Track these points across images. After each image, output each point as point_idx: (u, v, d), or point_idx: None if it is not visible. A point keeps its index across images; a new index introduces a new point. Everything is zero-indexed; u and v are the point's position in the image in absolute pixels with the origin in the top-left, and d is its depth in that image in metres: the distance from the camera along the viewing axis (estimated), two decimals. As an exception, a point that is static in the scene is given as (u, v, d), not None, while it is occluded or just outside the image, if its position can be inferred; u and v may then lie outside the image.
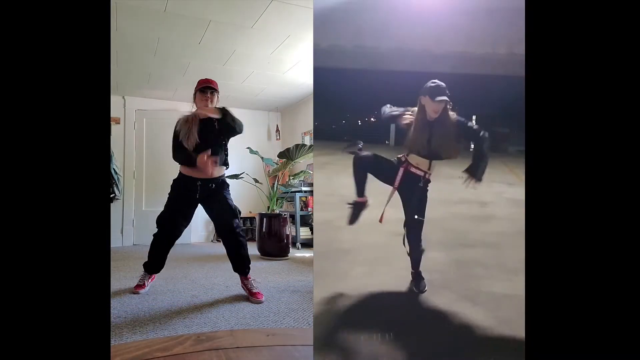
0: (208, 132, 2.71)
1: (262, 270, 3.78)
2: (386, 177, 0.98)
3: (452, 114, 0.89)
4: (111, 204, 5.73)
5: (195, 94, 2.79)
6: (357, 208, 0.97)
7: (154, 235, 2.89)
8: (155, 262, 2.94)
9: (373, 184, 1.02)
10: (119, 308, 2.48)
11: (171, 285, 3.14)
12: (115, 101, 6.00)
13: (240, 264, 2.83)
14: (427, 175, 0.97)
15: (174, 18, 3.59)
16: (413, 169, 0.97)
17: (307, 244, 5.33)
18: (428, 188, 0.97)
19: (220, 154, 2.77)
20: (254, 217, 5.77)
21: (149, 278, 3.02)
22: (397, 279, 0.95)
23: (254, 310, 2.47)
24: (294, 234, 5.22)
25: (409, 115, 0.92)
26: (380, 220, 0.94)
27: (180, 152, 2.74)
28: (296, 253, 4.89)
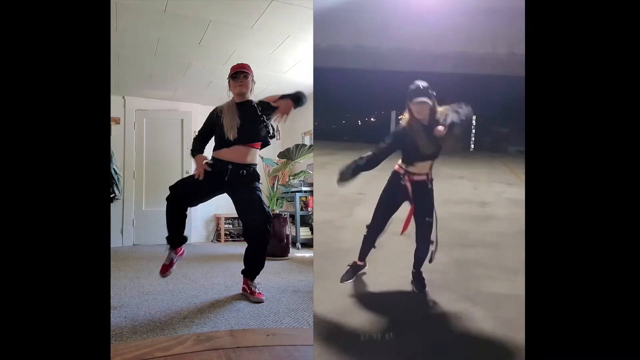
0: (247, 118, 2.67)
1: (262, 270, 3.78)
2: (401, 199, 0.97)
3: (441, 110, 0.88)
4: (111, 204, 5.73)
5: (229, 81, 2.76)
6: (355, 270, 0.97)
7: (167, 200, 2.67)
8: (178, 228, 2.72)
9: (377, 180, 1.02)
10: (119, 308, 2.49)
11: (171, 285, 3.14)
12: (115, 101, 6.00)
13: (254, 270, 2.82)
14: (430, 176, 0.97)
15: (174, 18, 3.59)
16: (417, 177, 0.96)
17: (307, 244, 5.33)
18: (433, 188, 0.97)
19: (260, 136, 2.72)
20: (254, 217, 5.75)
21: (177, 254, 2.78)
22: (397, 279, 0.95)
23: (254, 310, 2.47)
24: (294, 234, 5.22)
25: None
26: (402, 232, 0.94)
27: (218, 141, 2.70)
28: (296, 253, 4.89)
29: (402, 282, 0.94)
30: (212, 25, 3.75)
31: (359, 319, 0.81)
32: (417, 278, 0.94)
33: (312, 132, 5.79)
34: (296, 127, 6.58)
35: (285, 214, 4.73)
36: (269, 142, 2.82)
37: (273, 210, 5.02)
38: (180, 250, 2.82)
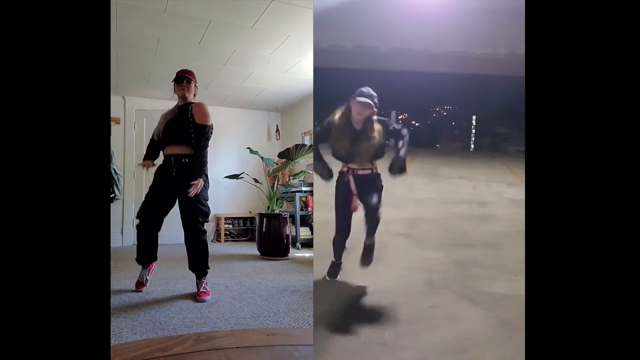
0: (182, 119, 2.80)
1: (262, 270, 3.78)
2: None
3: (375, 118, 0.88)
4: (111, 204, 5.72)
5: (173, 85, 2.90)
6: (336, 267, 0.98)
7: (137, 227, 2.95)
8: (145, 250, 2.97)
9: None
10: (119, 308, 2.48)
11: (171, 285, 3.14)
12: (115, 101, 6.00)
13: (196, 267, 2.84)
14: (374, 171, 0.97)
15: (174, 18, 3.59)
16: (360, 172, 0.96)
17: (307, 244, 5.33)
18: (382, 184, 0.97)
19: (192, 139, 2.76)
20: (254, 217, 5.77)
21: (148, 272, 3.02)
22: (397, 279, 0.95)
23: (254, 310, 2.47)
24: (294, 234, 5.22)
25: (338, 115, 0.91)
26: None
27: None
28: (296, 253, 4.89)
29: (402, 282, 0.94)
30: (212, 25, 3.75)
31: (359, 319, 0.81)
32: (368, 250, 0.95)
33: (312, 132, 5.79)
34: (296, 127, 6.58)
35: (285, 214, 4.73)
36: (192, 145, 2.79)
37: (273, 210, 5.02)
38: (151, 268, 3.06)
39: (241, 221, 6.65)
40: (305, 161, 5.35)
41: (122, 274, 3.59)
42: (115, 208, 5.87)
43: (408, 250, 0.95)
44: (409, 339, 0.70)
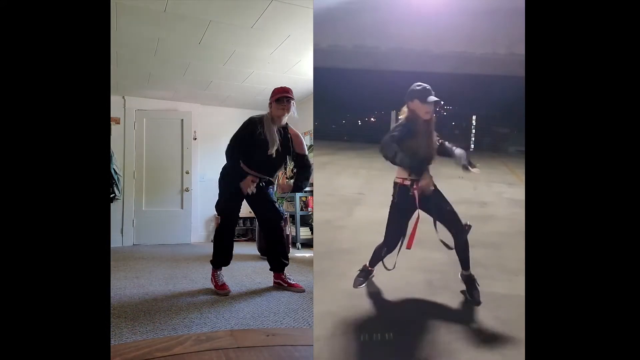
0: (284, 144, 2.91)
1: (262, 270, 3.78)
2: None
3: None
4: (111, 204, 5.73)
5: (271, 104, 2.84)
6: (367, 274, 0.94)
7: (220, 225, 3.06)
8: (226, 253, 3.06)
9: (377, 180, 1.02)
10: (119, 308, 2.48)
11: (171, 285, 3.15)
12: (115, 101, 6.00)
13: (280, 263, 3.05)
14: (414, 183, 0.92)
15: (174, 18, 3.59)
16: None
17: (307, 244, 5.33)
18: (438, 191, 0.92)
19: (283, 164, 3.05)
20: (254, 217, 5.76)
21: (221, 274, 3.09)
22: (397, 279, 0.95)
23: (254, 310, 2.47)
24: (294, 234, 5.22)
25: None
26: (409, 247, 0.91)
27: (251, 153, 2.84)
28: (296, 253, 4.89)
29: (402, 282, 0.94)
30: (212, 25, 3.75)
31: (359, 319, 0.81)
32: (469, 283, 0.89)
33: (312, 132, 5.80)
34: (296, 127, 6.58)
35: (285, 214, 4.73)
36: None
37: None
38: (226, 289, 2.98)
39: (241, 221, 6.65)
40: (305, 161, 5.34)
41: (122, 274, 3.59)
42: (115, 208, 5.88)
43: (408, 250, 0.95)
44: (409, 339, 0.70)
